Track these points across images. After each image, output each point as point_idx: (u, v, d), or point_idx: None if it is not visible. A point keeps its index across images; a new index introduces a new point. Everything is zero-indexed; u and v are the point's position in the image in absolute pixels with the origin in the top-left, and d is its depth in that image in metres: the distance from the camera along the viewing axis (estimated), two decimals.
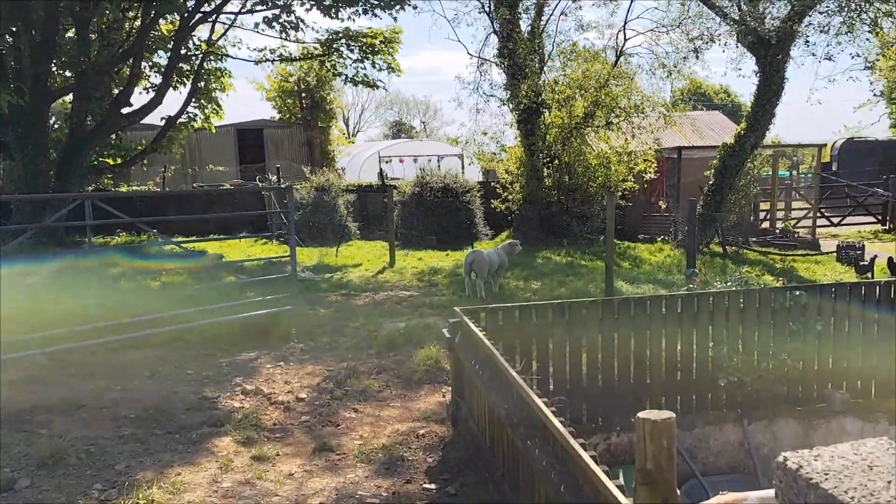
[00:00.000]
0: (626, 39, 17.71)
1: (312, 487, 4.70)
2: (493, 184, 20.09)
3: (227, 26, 18.97)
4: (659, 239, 17.42)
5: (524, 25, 17.81)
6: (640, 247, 16.77)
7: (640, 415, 2.15)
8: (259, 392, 6.59)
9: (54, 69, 16.93)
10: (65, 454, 4.97)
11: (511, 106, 17.92)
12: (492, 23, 17.37)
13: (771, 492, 1.60)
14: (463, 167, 28.02)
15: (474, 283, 11.03)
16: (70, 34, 17.32)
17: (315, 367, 7.45)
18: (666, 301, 5.91)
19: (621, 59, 17.74)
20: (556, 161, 18.02)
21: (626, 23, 17.69)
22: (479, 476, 4.64)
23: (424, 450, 5.35)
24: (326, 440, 5.47)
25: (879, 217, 20.82)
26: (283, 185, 18.52)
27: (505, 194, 18.71)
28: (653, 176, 18.55)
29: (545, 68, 18.37)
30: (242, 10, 17.95)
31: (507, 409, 3.73)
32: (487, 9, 17.46)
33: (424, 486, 4.74)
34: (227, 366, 7.46)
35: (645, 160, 17.91)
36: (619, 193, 17.54)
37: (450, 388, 6.52)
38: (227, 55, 19.85)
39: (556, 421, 2.98)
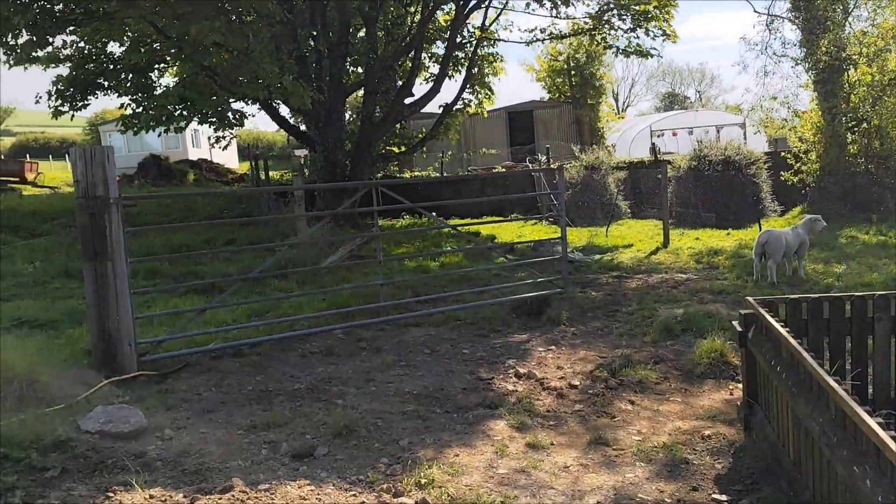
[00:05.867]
0: None
1: (589, 484, 4.48)
2: (782, 154, 18.06)
3: (499, 10, 19.36)
4: None
5: None
6: None
7: None
8: (532, 376, 6.52)
9: (348, 67, 18.64)
10: (356, 426, 5.32)
11: (806, 65, 15.88)
12: None
13: None
14: (745, 137, 25.67)
15: (765, 266, 9.93)
16: (360, 34, 18.93)
17: (587, 352, 7.21)
18: None
19: None
20: (864, 125, 15.62)
21: None
22: (780, 492, 4.05)
23: (711, 453, 4.84)
24: (602, 433, 5.21)
25: None
26: (552, 166, 18.49)
27: (798, 165, 16.71)
28: None
29: (849, 20, 15.96)
30: None
31: (821, 423, 3.14)
32: None
33: (713, 496, 4.26)
34: (500, 347, 7.53)
35: None
36: None
37: (738, 386, 5.87)
38: (500, 39, 20.28)
39: None
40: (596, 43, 19.40)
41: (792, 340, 3.76)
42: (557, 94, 30.12)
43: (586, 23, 18.36)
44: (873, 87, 15.24)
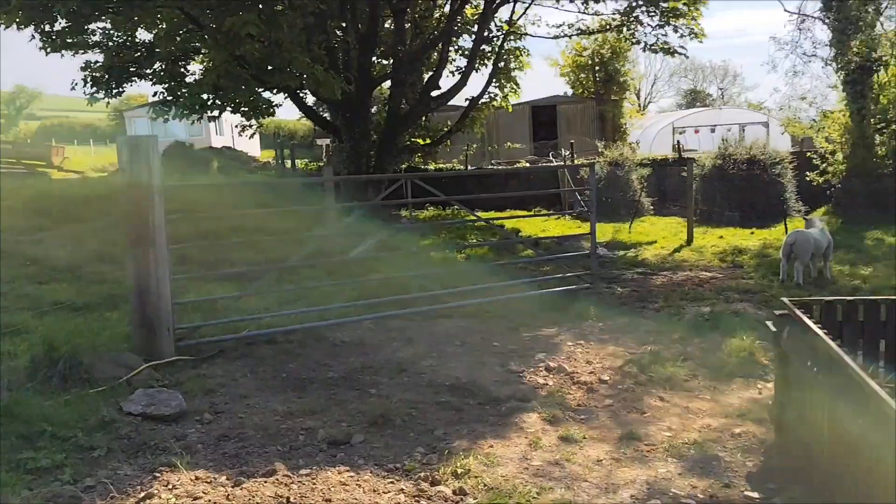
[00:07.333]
0: None
1: (622, 477, 4.57)
2: (808, 154, 17.98)
3: (527, 5, 19.34)
4: None
5: None
6: None
7: None
8: (562, 370, 6.62)
9: (375, 59, 18.71)
10: (391, 415, 5.44)
11: (836, 66, 15.77)
12: None
13: None
14: (769, 136, 25.51)
15: (792, 266, 9.94)
16: (388, 25, 18.99)
17: (615, 348, 7.30)
18: None
19: None
20: (893, 126, 15.51)
21: None
22: (813, 492, 4.12)
23: (742, 451, 4.91)
24: (633, 428, 5.29)
25: None
26: (580, 162, 18.50)
27: (824, 166, 16.63)
28: None
29: (881, 20, 15.83)
30: None
31: (863, 425, 3.21)
32: None
33: (746, 493, 4.34)
34: (530, 340, 7.63)
35: None
36: None
37: (768, 385, 5.95)
38: (526, 34, 20.26)
39: None
40: (623, 39, 19.32)
41: (832, 344, 3.83)
42: (581, 90, 30.07)
43: (614, 18, 18.31)
44: None
